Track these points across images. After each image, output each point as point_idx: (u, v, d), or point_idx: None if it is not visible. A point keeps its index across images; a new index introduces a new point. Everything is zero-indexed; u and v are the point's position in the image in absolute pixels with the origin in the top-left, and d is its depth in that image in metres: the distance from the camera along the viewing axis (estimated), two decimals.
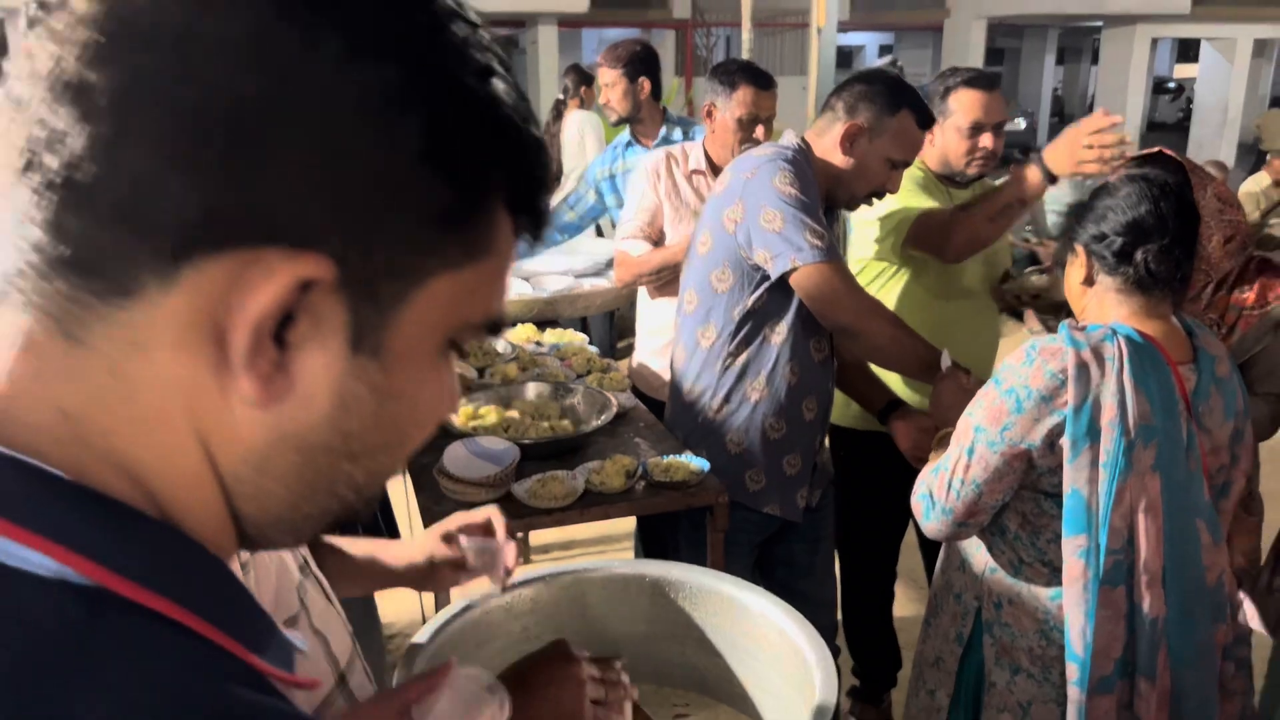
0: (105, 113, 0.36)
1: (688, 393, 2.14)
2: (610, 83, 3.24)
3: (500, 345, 2.69)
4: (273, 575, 0.81)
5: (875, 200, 2.14)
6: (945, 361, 1.95)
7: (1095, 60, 20.71)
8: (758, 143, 2.55)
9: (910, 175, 2.23)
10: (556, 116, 5.66)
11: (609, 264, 3.22)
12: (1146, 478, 1.51)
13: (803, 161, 2.00)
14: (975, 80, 2.38)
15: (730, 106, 2.64)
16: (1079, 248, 1.61)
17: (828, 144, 2.04)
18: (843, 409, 2.38)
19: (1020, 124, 19.12)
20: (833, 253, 1.93)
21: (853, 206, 2.16)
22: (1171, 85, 24.98)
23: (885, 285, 2.43)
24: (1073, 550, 1.53)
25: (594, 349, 2.82)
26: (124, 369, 0.38)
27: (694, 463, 1.97)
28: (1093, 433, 1.50)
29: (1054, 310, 2.42)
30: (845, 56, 22.65)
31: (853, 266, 2.37)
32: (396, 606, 2.73)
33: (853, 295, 1.96)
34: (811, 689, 1.25)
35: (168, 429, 0.40)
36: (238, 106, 0.36)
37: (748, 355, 2.06)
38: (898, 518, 2.49)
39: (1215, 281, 2.02)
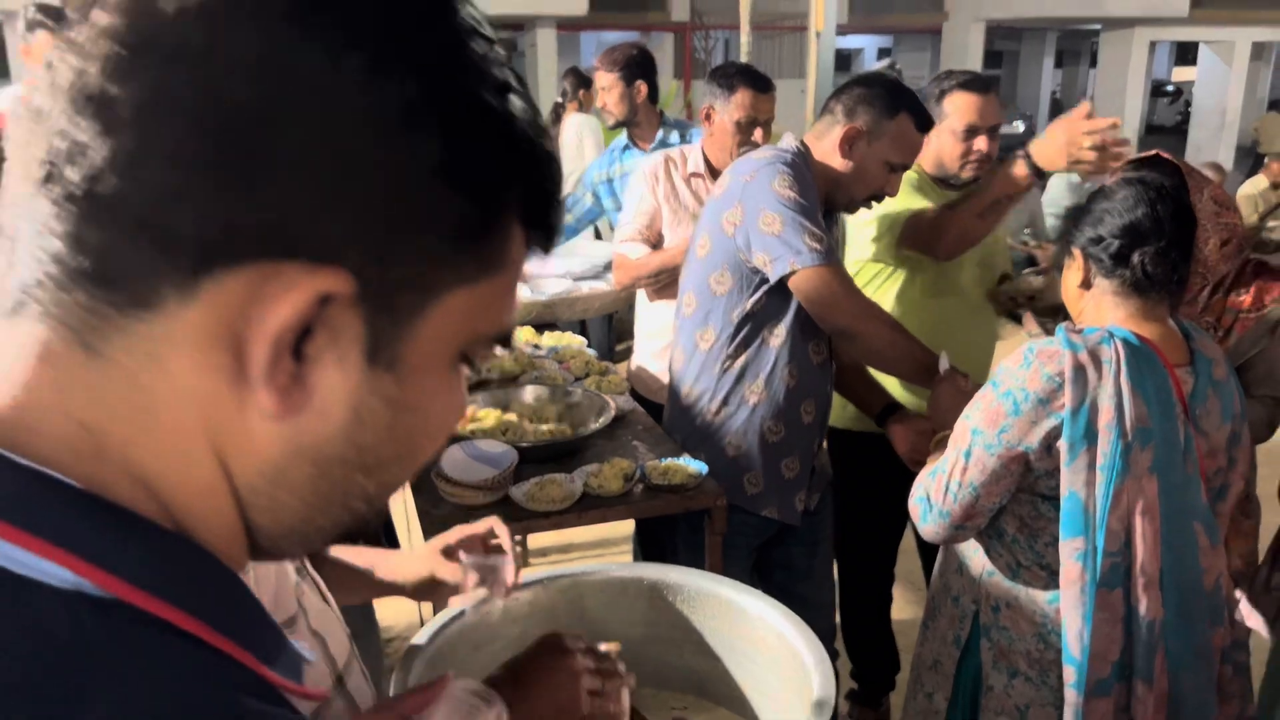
0: (128, 126, 0.36)
1: (686, 395, 2.14)
2: (607, 86, 3.25)
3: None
4: (271, 577, 0.81)
5: (874, 203, 2.14)
6: (943, 364, 1.95)
7: (1094, 63, 20.73)
8: (756, 145, 2.55)
9: (905, 177, 2.24)
10: (555, 119, 5.67)
11: (607, 267, 3.23)
12: (1144, 480, 1.51)
13: (802, 164, 2.00)
14: (970, 83, 2.38)
15: (728, 109, 2.65)
16: (1076, 251, 1.62)
17: (827, 147, 2.05)
18: (839, 410, 2.38)
19: (1019, 127, 19.12)
20: (831, 256, 1.93)
21: (852, 209, 2.16)
22: (1170, 88, 24.99)
23: (881, 286, 2.43)
24: (1070, 553, 1.53)
25: (592, 352, 2.82)
26: (142, 380, 0.39)
27: (692, 466, 1.97)
28: (1090, 435, 1.50)
29: (1052, 313, 2.42)
30: (844, 59, 22.67)
31: (849, 268, 2.37)
32: (394, 611, 2.73)
33: (851, 298, 1.96)
34: (810, 692, 1.25)
35: (184, 440, 0.40)
36: (260, 121, 0.36)
37: (746, 358, 2.06)
38: (895, 520, 2.49)
39: (1212, 284, 2.02)
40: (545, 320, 3.36)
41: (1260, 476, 2.05)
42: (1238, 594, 2.02)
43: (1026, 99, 23.11)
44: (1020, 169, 2.11)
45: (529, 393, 2.35)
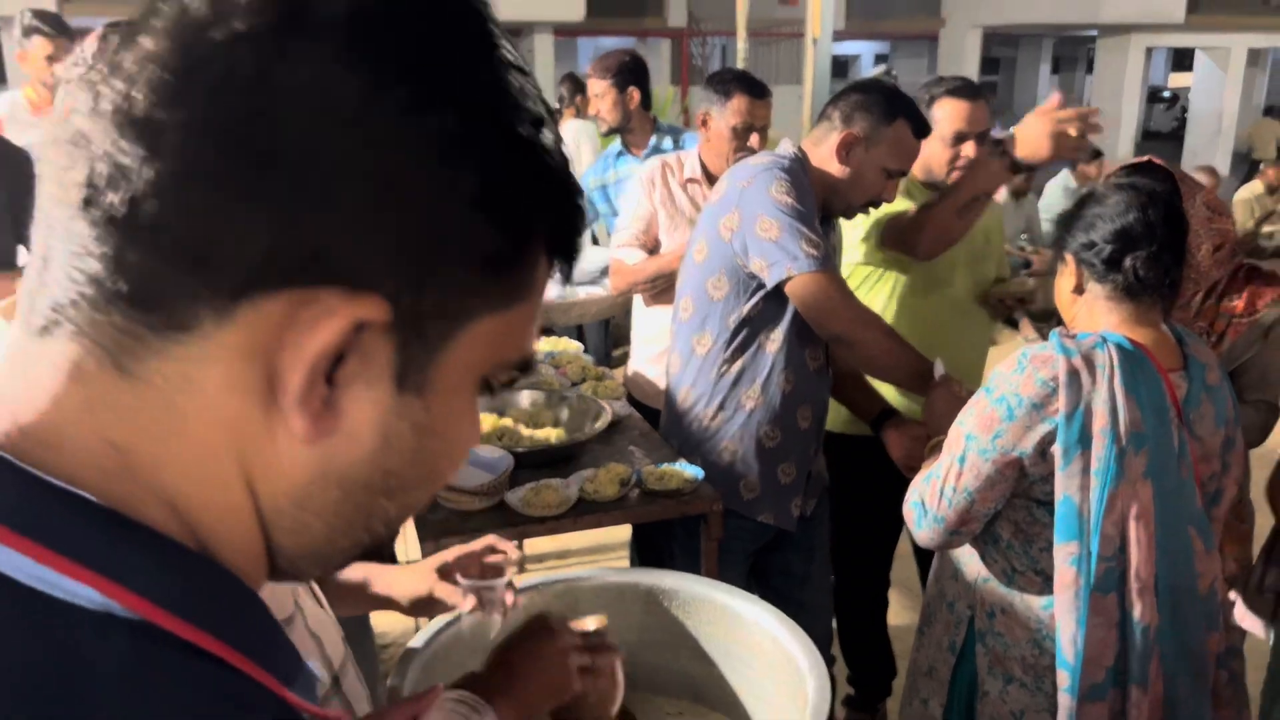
0: (172, 150, 0.37)
1: (683, 400, 2.14)
2: (600, 93, 3.27)
3: None
4: None
5: (872, 209, 2.15)
6: (938, 370, 1.96)
7: (1090, 69, 20.79)
8: (753, 151, 2.56)
9: None
10: None
11: (604, 272, 3.23)
12: (1138, 485, 1.51)
13: (799, 171, 2.01)
14: (959, 90, 2.39)
15: (725, 115, 2.66)
16: (1068, 256, 1.62)
17: (824, 153, 2.05)
18: (833, 414, 2.38)
19: (1013, 133, 19.14)
20: (828, 262, 1.93)
21: (849, 215, 2.16)
22: (1166, 94, 25.04)
23: (873, 289, 2.44)
24: (1064, 557, 1.54)
25: (589, 357, 2.83)
26: (175, 402, 0.39)
27: (688, 471, 1.97)
28: (1084, 440, 1.50)
29: (1046, 318, 2.43)
30: (841, 66, 22.69)
31: (842, 271, 2.38)
32: (390, 618, 2.73)
33: (847, 305, 1.97)
34: (805, 697, 1.25)
35: (214, 462, 0.40)
36: (304, 150, 0.37)
37: (743, 363, 2.06)
38: (891, 525, 2.49)
39: (1204, 290, 2.02)
40: (542, 325, 3.35)
41: (1253, 481, 2.05)
42: (1232, 596, 2.03)
43: (1023, 105, 23.07)
44: (997, 165, 2.11)
45: (525, 398, 2.36)
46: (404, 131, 0.38)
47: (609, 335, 5.38)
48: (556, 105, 5.77)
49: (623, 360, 3.21)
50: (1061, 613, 1.55)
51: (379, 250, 0.39)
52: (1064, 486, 1.52)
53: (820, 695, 1.24)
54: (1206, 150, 16.72)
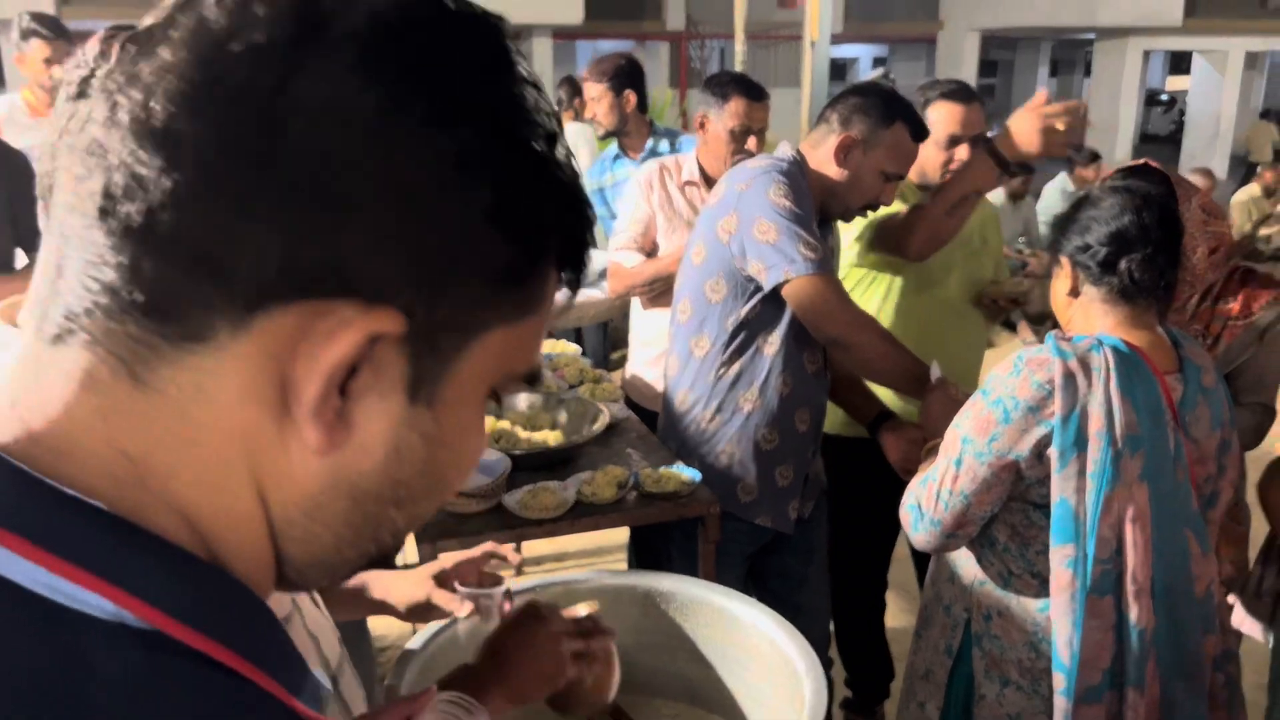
0: (190, 162, 0.37)
1: (680, 403, 2.15)
2: (596, 96, 3.28)
3: None
4: None
5: (870, 212, 2.15)
6: (935, 373, 1.96)
7: (1088, 72, 20.82)
8: (751, 154, 2.56)
9: None
10: None
11: (602, 275, 3.23)
12: (1134, 487, 1.52)
13: (797, 173, 2.01)
14: (953, 93, 2.39)
15: (722, 118, 2.66)
16: (1063, 259, 1.62)
17: (822, 156, 2.06)
18: (830, 416, 2.38)
19: None
20: (825, 265, 1.94)
21: (847, 218, 2.17)
22: (1164, 97, 25.08)
23: (867, 290, 2.44)
24: (1061, 560, 1.54)
25: (587, 359, 2.83)
26: (189, 412, 0.39)
27: (686, 473, 1.97)
28: (1080, 443, 1.50)
29: (1043, 320, 2.43)
30: (839, 69, 22.72)
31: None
32: (387, 621, 2.73)
33: (844, 308, 1.97)
34: (802, 700, 1.25)
35: (226, 472, 0.40)
36: (322, 163, 0.37)
37: (741, 365, 2.07)
38: (888, 527, 2.49)
39: (1200, 293, 2.03)
40: None
41: (1249, 484, 2.06)
42: (1231, 599, 2.03)
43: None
44: (986, 163, 2.12)
45: (523, 400, 2.36)
46: (421, 146, 0.39)
47: (607, 338, 5.38)
48: (555, 108, 5.78)
49: (621, 363, 3.22)
50: (1057, 615, 1.55)
51: (395, 263, 0.39)
52: (1060, 489, 1.52)
53: (817, 698, 1.24)
54: (1204, 153, 16.75)
